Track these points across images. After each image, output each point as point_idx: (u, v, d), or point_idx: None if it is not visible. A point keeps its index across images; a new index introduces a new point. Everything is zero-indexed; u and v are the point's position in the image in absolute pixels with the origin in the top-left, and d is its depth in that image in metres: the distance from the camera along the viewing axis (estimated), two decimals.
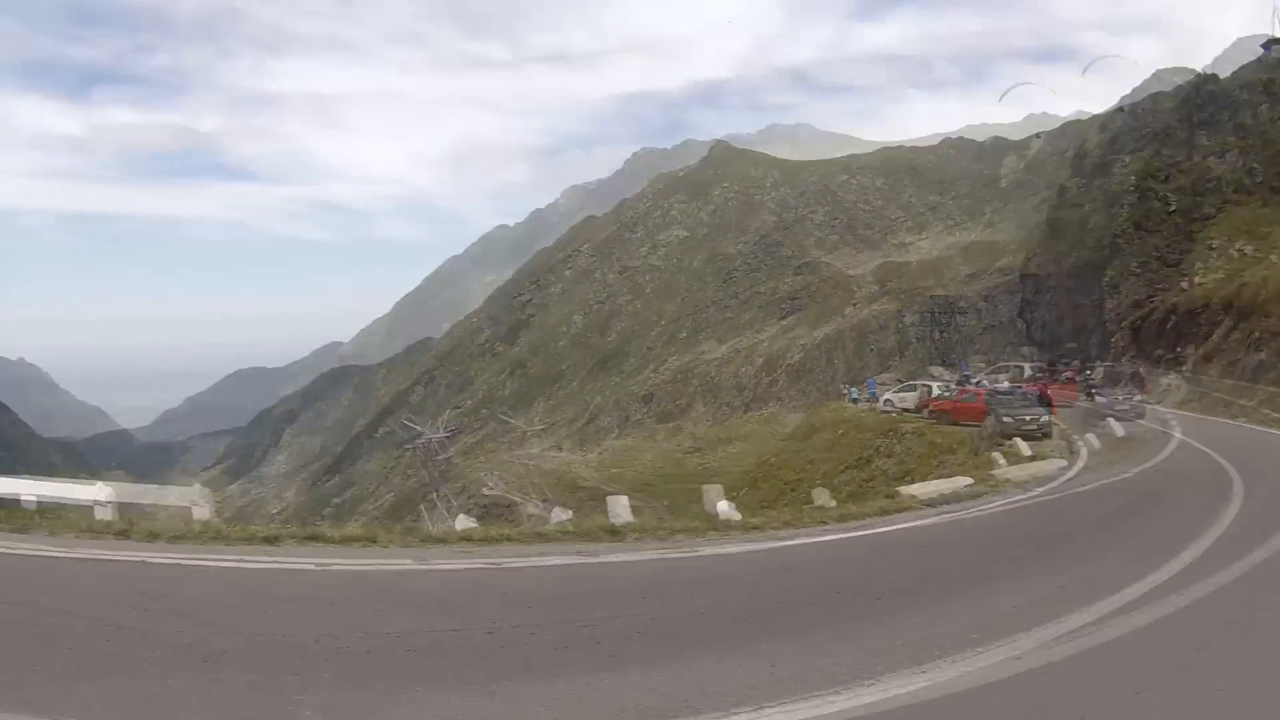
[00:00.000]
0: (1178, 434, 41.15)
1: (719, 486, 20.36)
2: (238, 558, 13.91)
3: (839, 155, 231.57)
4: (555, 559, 14.84)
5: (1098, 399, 49.96)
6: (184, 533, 15.59)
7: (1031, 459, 35.40)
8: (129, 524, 16.01)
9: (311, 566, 13.57)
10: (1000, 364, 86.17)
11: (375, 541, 15.55)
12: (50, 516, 16.49)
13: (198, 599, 11.73)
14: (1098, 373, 61.91)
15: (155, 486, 21.34)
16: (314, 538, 15.67)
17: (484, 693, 8.45)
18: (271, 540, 15.26)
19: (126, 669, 9.01)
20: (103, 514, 16.52)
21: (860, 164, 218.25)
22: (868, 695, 8.46)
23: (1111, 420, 42.89)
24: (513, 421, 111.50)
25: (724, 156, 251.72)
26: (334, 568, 13.57)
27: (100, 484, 17.44)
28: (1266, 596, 12.72)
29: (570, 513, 20.12)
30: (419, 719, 7.95)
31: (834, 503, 20.65)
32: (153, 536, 15.11)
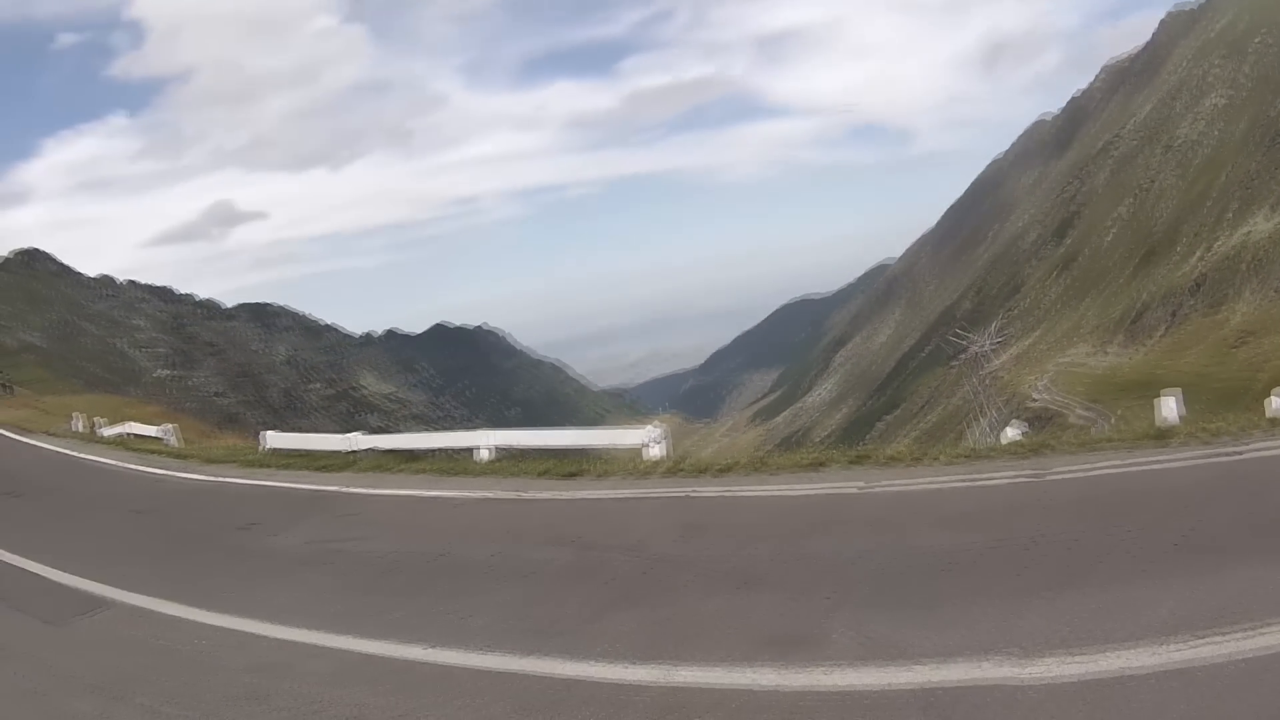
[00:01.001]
0: None
1: (1175, 394, 18.38)
2: (781, 486, 14.17)
3: None
4: (1099, 467, 13.88)
5: None
6: (730, 464, 15.92)
7: None
8: (677, 461, 16.64)
9: (855, 489, 13.51)
10: None
11: (920, 460, 15.17)
12: (600, 461, 17.51)
13: (738, 527, 12.23)
14: None
15: (611, 430, 21.96)
16: (860, 459, 15.49)
17: (1014, 607, 8.23)
18: (817, 465, 15.29)
19: (662, 597, 9.61)
20: (652, 454, 17.09)
21: None
22: None
23: None
24: (965, 340, 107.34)
25: (1255, 2, 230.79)
26: (878, 489, 13.43)
27: (650, 426, 17.97)
28: None
29: (1021, 431, 18.90)
30: (946, 637, 7.82)
31: (1179, 416, 18.15)
32: (700, 471, 15.68)
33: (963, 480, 13.62)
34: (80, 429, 36.17)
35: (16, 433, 37.30)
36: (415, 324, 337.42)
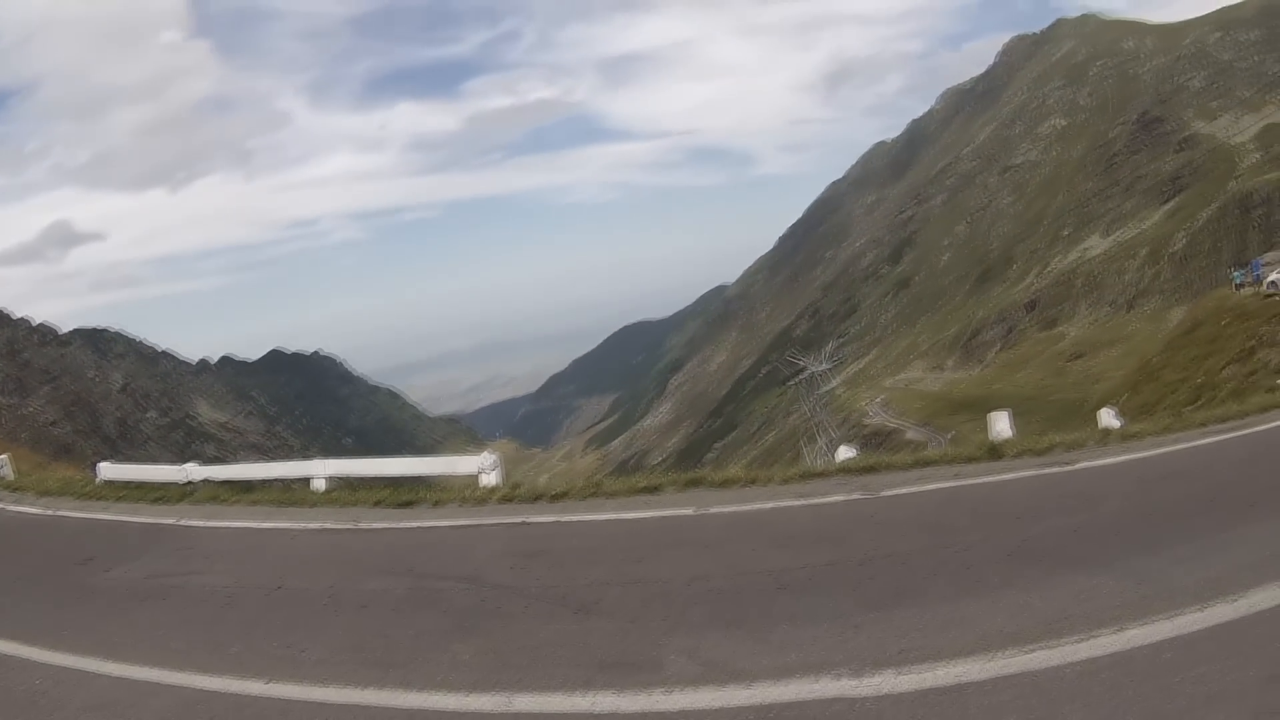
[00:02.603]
0: None
1: (1006, 411, 19.23)
2: (615, 511, 14.35)
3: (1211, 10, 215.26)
4: (932, 484, 14.39)
5: None
6: (566, 490, 16.02)
7: None
8: (512, 488, 16.66)
9: (690, 512, 13.79)
10: None
11: (755, 482, 15.45)
12: (435, 489, 17.42)
13: (573, 553, 12.35)
14: None
15: (445, 457, 22.26)
16: (694, 483, 15.74)
17: (850, 625, 8.50)
18: (651, 490, 15.53)
19: (498, 625, 9.63)
20: (487, 481, 17.13)
21: (1233, 17, 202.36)
22: (1228, 612, 8.03)
23: None
24: (801, 362, 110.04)
25: (1095, 31, 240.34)
26: (712, 511, 13.71)
27: (485, 453, 18.00)
28: None
29: (854, 451, 19.47)
30: (782, 656, 8.03)
31: (1118, 423, 19.17)
32: (535, 497, 15.73)
33: (796, 501, 13.92)
34: None
35: None
36: (251, 349, 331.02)
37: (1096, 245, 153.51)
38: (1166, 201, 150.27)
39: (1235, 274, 78.35)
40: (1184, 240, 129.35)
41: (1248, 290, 65.62)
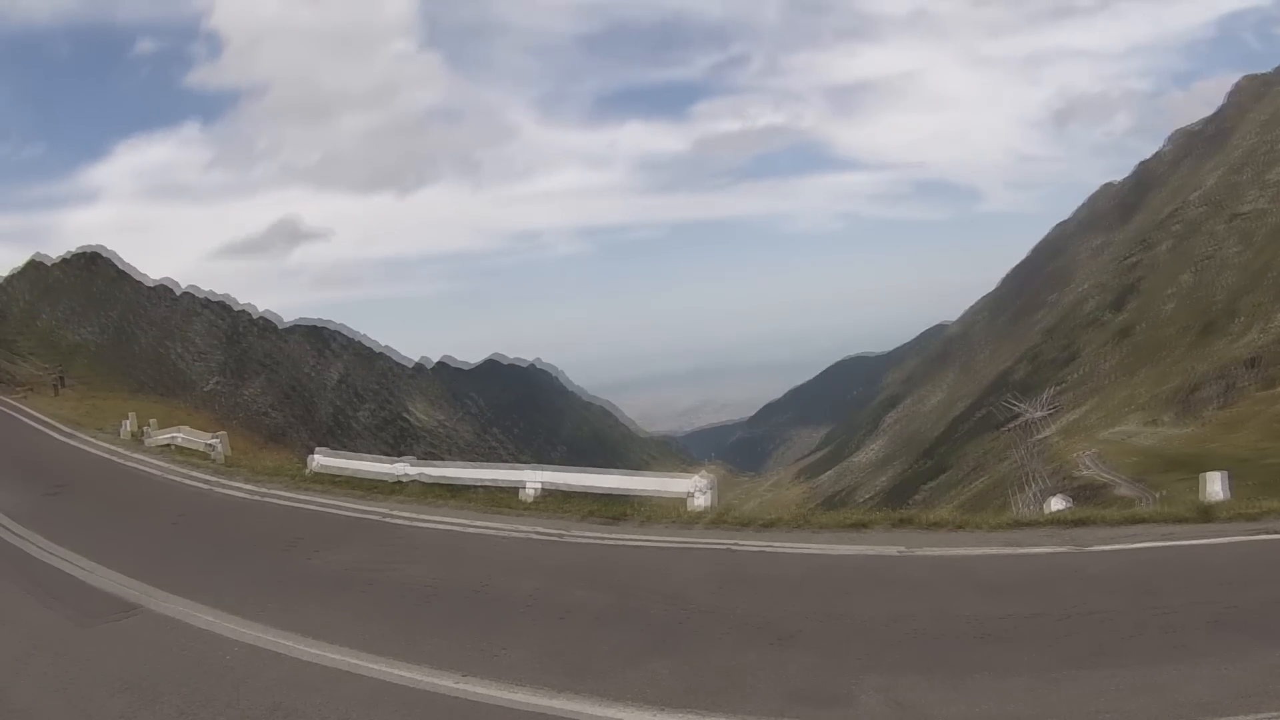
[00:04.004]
0: None
1: (1221, 472, 18.30)
2: (823, 544, 14.24)
3: None
4: (1141, 542, 13.98)
5: None
6: (775, 519, 16.08)
7: None
8: (721, 513, 16.69)
9: (896, 552, 13.64)
10: None
11: (964, 526, 15.28)
12: (645, 507, 17.56)
13: (778, 582, 12.29)
14: None
15: (658, 476, 22.08)
16: (902, 523, 15.64)
17: (1046, 680, 8.28)
18: (860, 526, 15.45)
19: (696, 646, 9.67)
20: (698, 504, 17.13)
21: None
22: None
23: None
24: (1018, 407, 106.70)
25: None
26: (919, 553, 13.54)
27: (698, 476, 18.02)
28: None
29: (1066, 502, 18.89)
30: (976, 705, 7.89)
31: (1224, 494, 18.17)
32: (744, 524, 15.77)
33: (1004, 549, 13.68)
34: (129, 431, 36.39)
35: (68, 429, 37.86)
36: (469, 354, 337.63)
37: None
38: None
39: None
40: None
41: None
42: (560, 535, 15.59)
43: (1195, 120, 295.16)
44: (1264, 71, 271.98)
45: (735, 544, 14.25)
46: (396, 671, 9.32)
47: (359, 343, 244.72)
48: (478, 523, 17.02)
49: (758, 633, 9.83)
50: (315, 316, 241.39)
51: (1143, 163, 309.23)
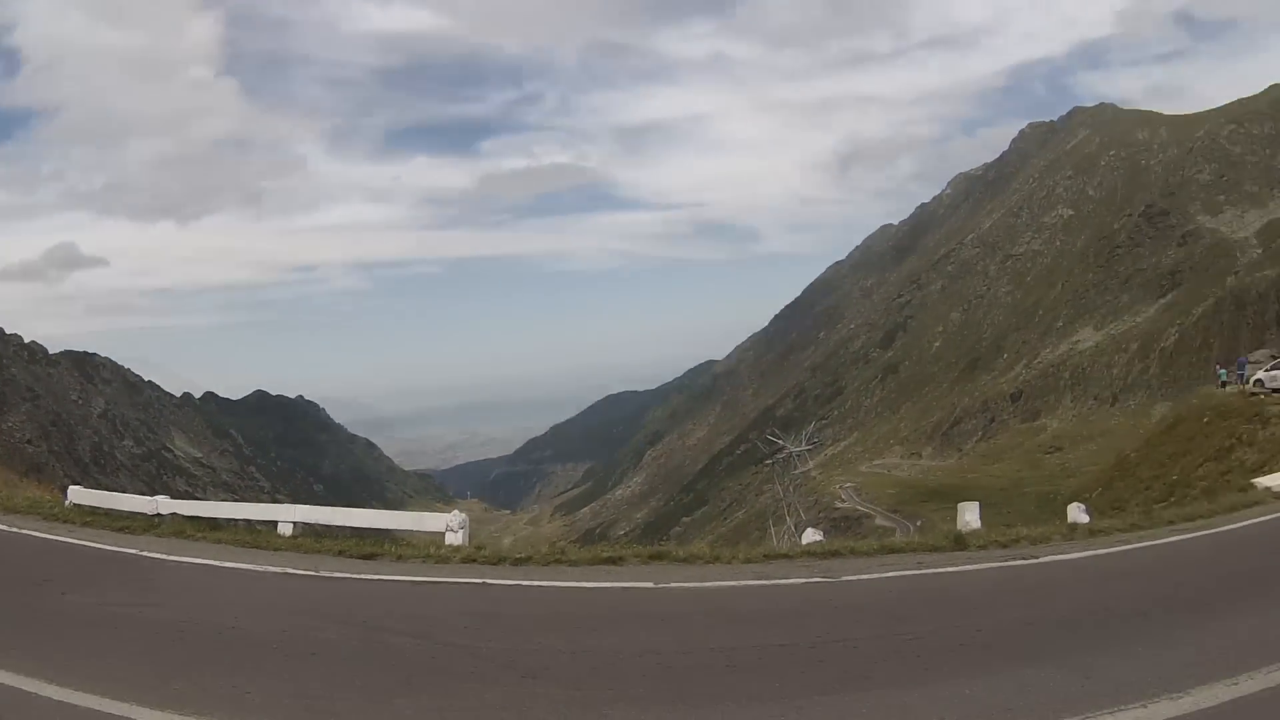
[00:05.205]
0: None
1: (975, 503, 19.55)
2: (575, 579, 14.43)
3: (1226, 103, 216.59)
4: (893, 571, 14.66)
5: None
6: (529, 555, 16.11)
7: None
8: (475, 549, 16.74)
9: (649, 586, 13.87)
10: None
11: (719, 559, 15.65)
12: (399, 544, 17.48)
13: (528, 618, 12.35)
14: None
15: (413, 513, 22.46)
16: (657, 557, 15.92)
17: (792, 708, 8.51)
18: (614, 560, 15.65)
19: (445, 684, 9.61)
20: (453, 540, 17.16)
21: (1247, 110, 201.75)
22: (1170, 709, 8.18)
23: None
24: (779, 442, 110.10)
25: (1110, 121, 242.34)
26: (672, 586, 13.80)
27: (454, 512, 18.08)
28: None
29: (821, 534, 19.67)
30: None
31: (1086, 519, 19.51)
32: (498, 560, 15.79)
33: (757, 581, 14.05)
34: None
35: None
36: (238, 388, 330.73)
37: (1088, 338, 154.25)
38: (1163, 296, 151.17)
39: (1221, 372, 78.32)
40: (1175, 336, 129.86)
41: (1232, 388, 65.60)
42: (312, 573, 15.28)
43: (977, 165, 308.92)
44: (1049, 119, 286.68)
45: (488, 580, 14.29)
46: (145, 712, 9.01)
47: (126, 372, 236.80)
48: (230, 561, 16.53)
49: (507, 668, 9.86)
50: (85, 346, 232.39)
51: (921, 205, 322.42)
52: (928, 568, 14.87)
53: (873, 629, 11.12)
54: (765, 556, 16.20)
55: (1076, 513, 20.01)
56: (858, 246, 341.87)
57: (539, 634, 11.24)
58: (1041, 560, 15.31)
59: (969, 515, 18.79)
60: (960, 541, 16.65)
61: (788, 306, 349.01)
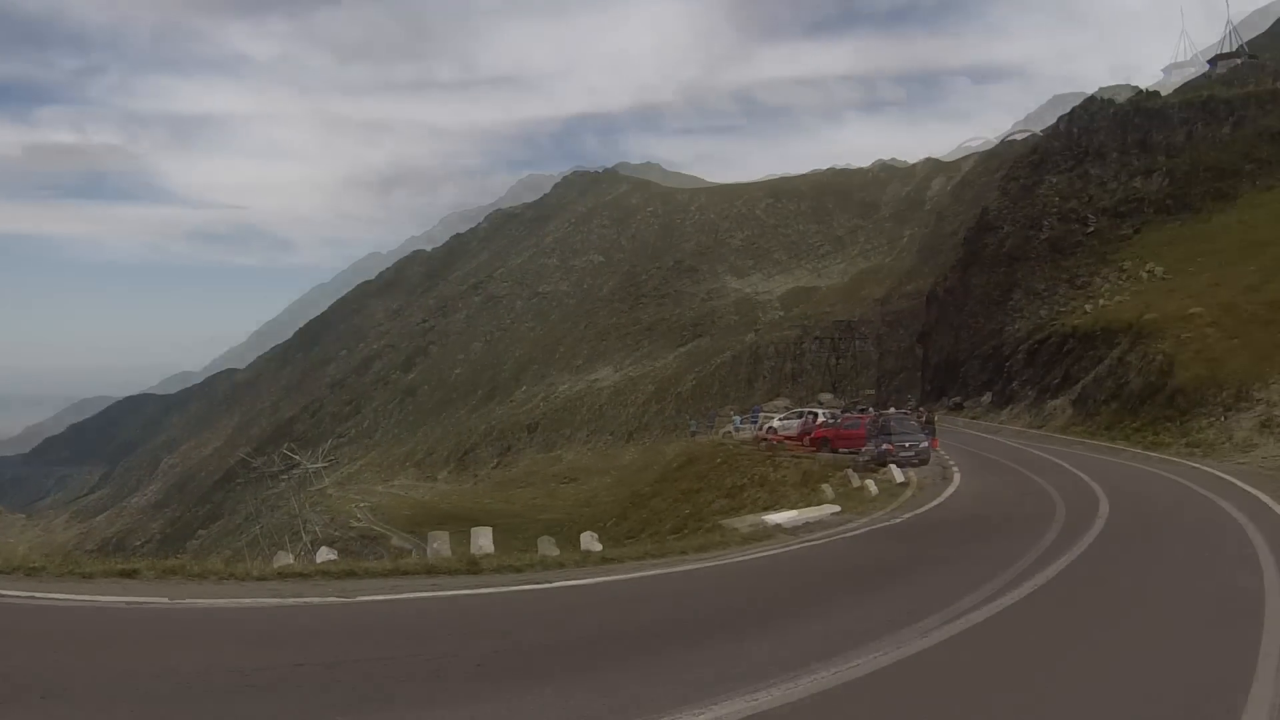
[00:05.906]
0: (955, 479, 39.74)
1: (488, 529, 20.89)
2: (90, 593, 13.48)
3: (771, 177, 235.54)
4: (409, 593, 14.91)
5: (885, 444, 47.83)
6: (42, 566, 15.02)
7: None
8: None
9: (163, 602, 13.27)
10: (795, 408, 79.70)
11: (232, 576, 15.32)
12: None
13: (44, 636, 11.47)
14: (890, 417, 57.47)
15: None
16: (172, 571, 15.26)
17: None
18: (128, 574, 14.83)
19: None
20: None
21: (787, 187, 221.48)
22: None
23: (893, 466, 41.78)
24: (295, 457, 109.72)
25: (654, 180, 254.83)
26: (186, 603, 13.28)
27: None
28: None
29: (334, 553, 20.18)
30: None
31: (598, 547, 21.38)
32: (12, 569, 14.61)
33: (272, 599, 13.94)
34: None
35: None
36: None
37: (607, 377, 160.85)
38: (683, 345, 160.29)
39: (691, 423, 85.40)
40: (693, 381, 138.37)
41: (702, 437, 72.30)
42: None
43: (518, 204, 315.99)
44: (594, 169, 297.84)
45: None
46: None
47: None
48: None
49: (22, 690, 9.02)
50: None
51: (458, 235, 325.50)
52: (443, 589, 15.26)
53: (391, 649, 11.23)
54: (280, 575, 15.98)
55: (589, 540, 21.60)
56: (390, 268, 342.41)
57: (54, 652, 10.49)
58: (555, 585, 16.13)
59: (483, 539, 19.72)
60: (474, 565, 17.31)
61: (314, 320, 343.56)
